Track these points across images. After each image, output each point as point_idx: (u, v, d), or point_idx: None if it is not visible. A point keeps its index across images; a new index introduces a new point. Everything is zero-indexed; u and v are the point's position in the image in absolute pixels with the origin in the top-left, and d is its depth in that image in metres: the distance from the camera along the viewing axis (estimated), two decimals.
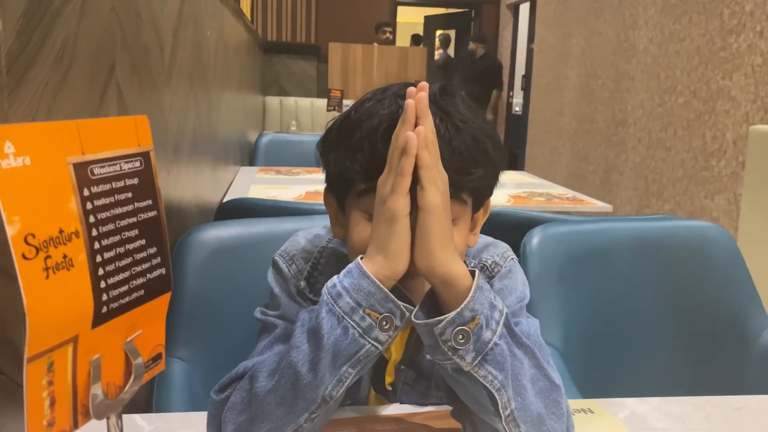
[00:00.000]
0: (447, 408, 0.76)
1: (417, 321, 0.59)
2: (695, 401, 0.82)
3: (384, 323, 0.57)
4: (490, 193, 0.73)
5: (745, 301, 1.27)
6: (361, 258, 0.59)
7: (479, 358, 0.58)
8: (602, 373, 1.24)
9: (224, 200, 1.87)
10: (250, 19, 4.19)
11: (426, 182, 0.58)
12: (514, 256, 0.79)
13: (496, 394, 0.58)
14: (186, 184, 1.41)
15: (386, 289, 0.57)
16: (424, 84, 0.59)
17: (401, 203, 0.58)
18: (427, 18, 8.12)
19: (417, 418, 0.74)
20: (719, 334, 1.27)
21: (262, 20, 5.90)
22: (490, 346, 0.58)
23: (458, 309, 0.57)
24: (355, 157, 0.65)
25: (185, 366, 1.11)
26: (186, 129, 1.43)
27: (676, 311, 1.28)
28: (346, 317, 0.57)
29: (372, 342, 0.57)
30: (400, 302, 0.58)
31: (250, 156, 3.18)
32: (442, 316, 0.57)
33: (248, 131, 3.41)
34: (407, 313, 0.58)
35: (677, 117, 3.23)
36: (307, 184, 2.22)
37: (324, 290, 0.59)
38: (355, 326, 0.57)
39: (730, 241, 1.31)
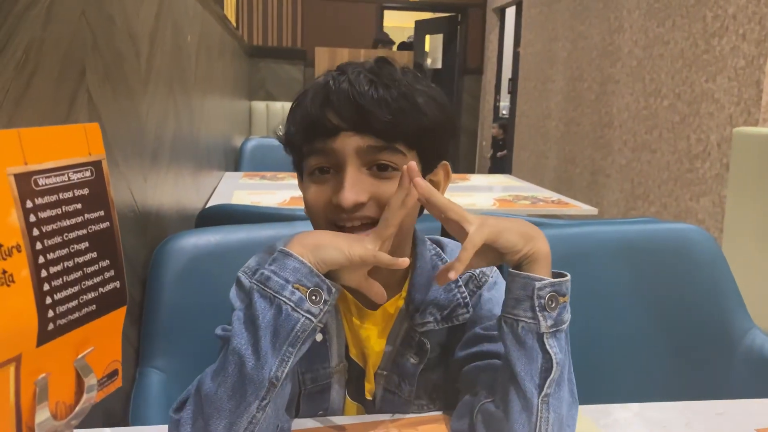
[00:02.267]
0: (431, 414, 0.75)
1: (517, 271, 0.63)
2: (677, 406, 0.82)
3: (313, 297, 0.60)
4: (438, 153, 0.74)
5: (728, 303, 1.27)
6: (285, 245, 0.63)
7: (554, 329, 0.63)
8: (586, 377, 1.23)
9: (206, 206, 1.85)
10: (234, 23, 4.17)
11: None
12: (496, 268, 0.80)
13: (555, 365, 0.62)
14: (165, 191, 1.39)
15: (310, 265, 0.60)
16: (412, 165, 0.63)
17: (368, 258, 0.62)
18: (417, 23, 8.10)
19: (401, 424, 0.73)
20: (703, 337, 1.26)
21: (248, 25, 5.88)
22: (563, 327, 0.64)
23: (560, 279, 0.63)
24: (295, 123, 0.70)
25: (163, 376, 1.09)
26: (165, 135, 1.41)
27: (659, 314, 1.28)
28: (277, 296, 0.59)
29: (305, 314, 0.59)
30: (324, 278, 0.61)
31: (235, 161, 3.16)
32: (545, 277, 0.63)
33: (233, 136, 3.38)
34: (333, 289, 0.61)
35: (662, 120, 3.24)
36: (291, 189, 2.20)
37: (252, 280, 0.61)
38: (287, 301, 0.59)
39: (713, 243, 1.31)
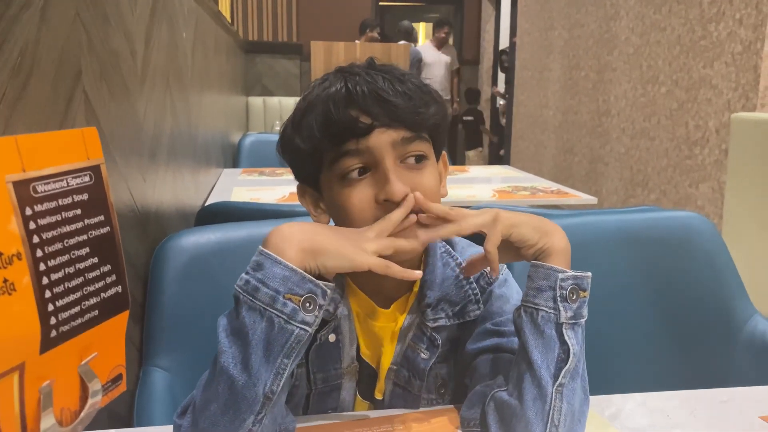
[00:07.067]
0: (441, 407, 0.76)
1: (541, 262, 0.64)
2: (681, 395, 0.82)
3: (307, 304, 0.57)
4: (443, 142, 0.75)
5: (730, 290, 1.27)
6: (273, 247, 0.59)
7: (573, 322, 0.64)
8: (588, 367, 1.24)
9: (206, 204, 1.85)
10: (229, 19, 4.15)
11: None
12: (506, 266, 0.80)
13: (571, 356, 0.62)
14: (164, 190, 1.39)
15: (301, 271, 0.57)
16: (418, 196, 0.66)
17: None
18: (381, 7, 7.69)
19: (411, 417, 0.73)
20: (705, 324, 1.27)
21: (243, 20, 5.85)
22: (581, 322, 0.65)
23: (582, 273, 0.65)
24: (321, 126, 0.67)
25: (166, 376, 1.09)
26: (163, 133, 1.41)
27: (661, 302, 1.28)
28: (268, 308, 0.56)
29: (299, 326, 0.57)
30: (319, 281, 0.58)
31: (233, 158, 3.15)
32: (568, 269, 0.64)
33: (231, 133, 3.37)
34: (328, 291, 0.59)
35: (660, 106, 3.23)
36: (290, 185, 2.18)
37: (236, 289, 0.58)
38: (279, 314, 0.56)
39: (714, 230, 1.31)
